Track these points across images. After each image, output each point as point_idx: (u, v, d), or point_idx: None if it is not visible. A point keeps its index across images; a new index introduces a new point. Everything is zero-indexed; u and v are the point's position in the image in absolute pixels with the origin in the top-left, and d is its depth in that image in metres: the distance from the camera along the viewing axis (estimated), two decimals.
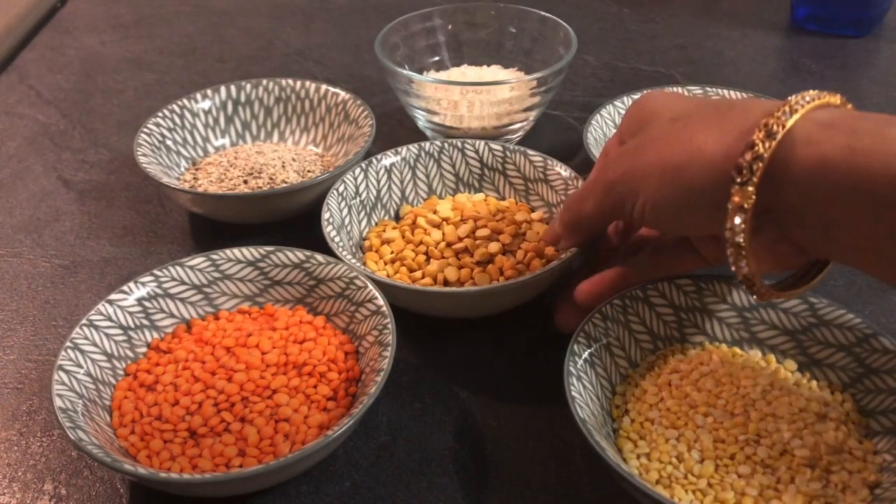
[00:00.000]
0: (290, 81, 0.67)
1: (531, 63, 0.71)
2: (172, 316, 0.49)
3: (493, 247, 0.51)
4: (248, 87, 0.67)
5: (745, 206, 0.34)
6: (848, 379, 0.44)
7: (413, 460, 0.44)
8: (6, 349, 0.52)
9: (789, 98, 0.35)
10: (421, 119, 0.67)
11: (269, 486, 0.42)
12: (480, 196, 0.58)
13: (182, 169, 0.64)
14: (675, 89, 0.63)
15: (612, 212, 0.42)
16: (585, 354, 0.43)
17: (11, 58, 0.87)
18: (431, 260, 0.51)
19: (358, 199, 0.55)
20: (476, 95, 0.64)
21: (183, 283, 0.49)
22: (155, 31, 0.91)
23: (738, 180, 0.34)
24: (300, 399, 0.43)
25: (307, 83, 0.67)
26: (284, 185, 0.60)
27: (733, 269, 0.36)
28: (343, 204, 0.53)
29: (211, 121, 0.66)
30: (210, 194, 0.57)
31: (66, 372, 0.43)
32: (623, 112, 0.62)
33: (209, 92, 0.66)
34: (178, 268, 0.49)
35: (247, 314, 0.50)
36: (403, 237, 0.53)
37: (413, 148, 0.58)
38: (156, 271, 0.49)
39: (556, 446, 0.44)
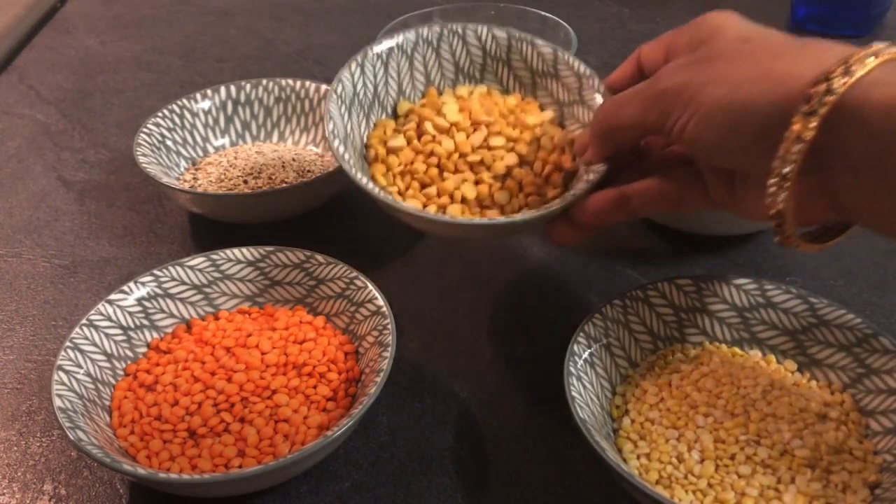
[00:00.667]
0: (290, 81, 0.67)
1: None
2: (172, 316, 0.49)
3: (510, 158, 0.47)
4: (248, 87, 0.67)
5: (805, 136, 0.33)
6: (848, 379, 0.44)
7: (413, 460, 0.44)
8: (6, 349, 0.52)
9: (872, 44, 0.33)
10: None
11: (268, 487, 0.42)
12: (483, 89, 0.52)
13: (182, 169, 0.64)
14: None
15: (654, 122, 0.39)
16: (585, 355, 0.43)
17: (11, 57, 0.87)
18: (445, 173, 0.47)
19: (356, 98, 0.49)
20: None
21: (183, 283, 0.49)
22: (155, 31, 0.91)
23: (805, 109, 0.32)
24: (300, 399, 0.43)
25: (307, 83, 0.67)
26: (284, 185, 0.60)
27: (767, 202, 0.35)
28: (343, 108, 0.47)
29: (211, 121, 0.66)
30: (210, 194, 0.57)
31: (66, 372, 0.43)
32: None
33: (209, 92, 0.66)
34: (177, 268, 0.49)
35: (247, 314, 0.50)
36: (410, 145, 0.48)
37: (410, 35, 0.51)
38: (156, 271, 0.49)
39: (556, 446, 0.44)
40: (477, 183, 0.46)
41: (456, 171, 0.47)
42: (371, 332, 0.46)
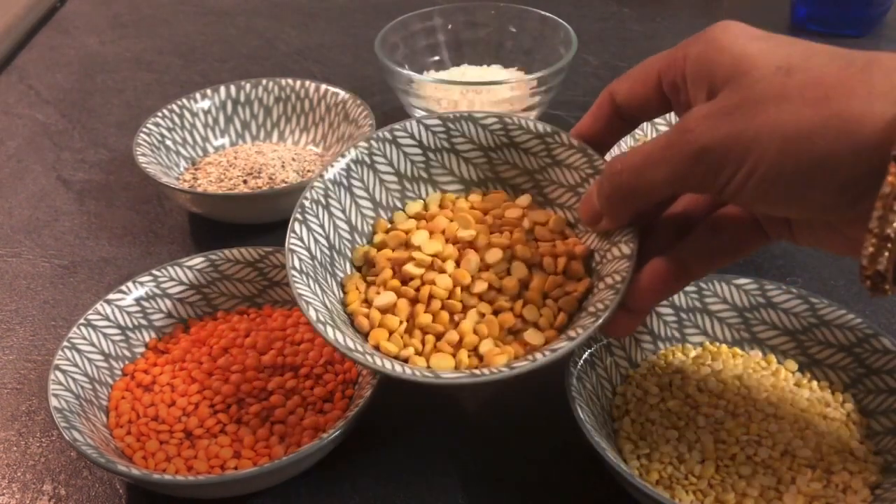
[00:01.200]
0: (290, 81, 0.67)
1: (531, 63, 0.71)
2: (170, 316, 0.49)
3: (519, 270, 0.41)
4: (248, 86, 0.67)
5: None
6: (849, 379, 0.43)
7: (413, 460, 0.44)
8: (5, 349, 0.52)
9: None
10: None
11: (265, 488, 0.42)
12: (436, 197, 0.46)
13: (181, 169, 0.64)
14: None
15: (695, 183, 0.34)
16: (586, 355, 0.43)
17: (11, 57, 0.87)
18: (456, 316, 0.40)
19: (315, 262, 0.41)
20: (476, 95, 0.63)
21: (181, 283, 0.49)
22: (154, 31, 0.91)
23: None
24: (296, 401, 0.43)
25: (307, 83, 0.67)
26: (284, 184, 0.60)
27: (864, 262, 0.30)
28: (311, 281, 0.40)
29: (210, 120, 0.66)
30: (209, 194, 0.57)
31: (63, 372, 0.42)
32: None
33: (209, 91, 0.66)
34: (176, 268, 0.49)
35: (245, 315, 0.49)
36: (400, 297, 0.41)
37: (340, 164, 0.44)
38: (154, 271, 0.48)
39: (556, 447, 0.44)
40: (496, 312, 0.40)
41: (463, 308, 0.40)
42: None
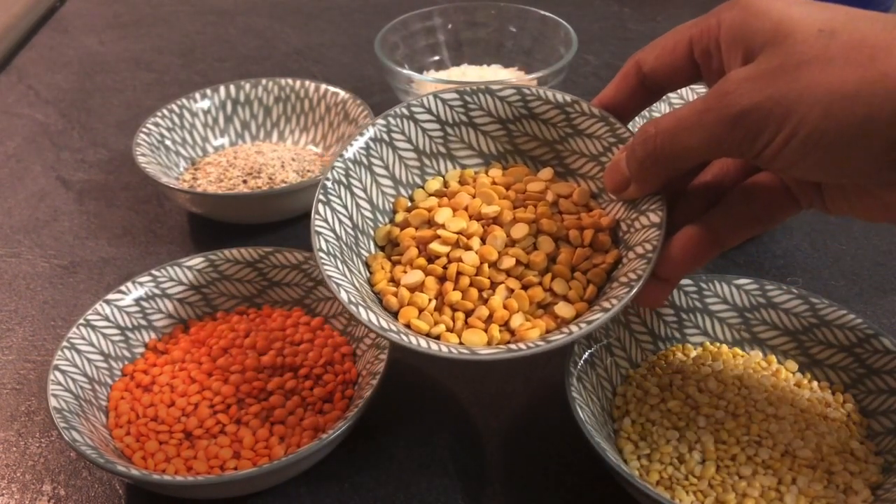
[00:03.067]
0: (290, 81, 0.67)
1: (531, 62, 0.71)
2: (170, 316, 0.49)
3: (546, 244, 0.40)
4: (248, 86, 0.67)
5: None
6: (849, 379, 0.43)
7: (413, 460, 0.44)
8: (5, 350, 0.52)
9: None
10: None
11: (265, 488, 0.42)
12: (455, 174, 0.45)
13: (181, 169, 0.63)
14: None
15: (732, 147, 0.33)
16: (586, 355, 0.43)
17: (10, 57, 0.87)
18: (484, 292, 0.40)
19: (341, 243, 0.41)
20: None
21: (181, 283, 0.49)
22: (154, 31, 0.91)
23: None
24: (296, 401, 0.43)
25: (307, 83, 0.67)
26: (284, 185, 0.60)
27: None
28: (339, 263, 0.40)
29: (210, 120, 0.66)
30: (209, 194, 0.57)
31: (63, 372, 0.42)
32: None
33: (208, 91, 0.66)
34: (176, 268, 0.49)
35: (245, 315, 0.49)
36: (427, 272, 0.40)
37: (358, 142, 0.43)
38: (154, 271, 0.48)
39: (556, 446, 0.44)
40: (525, 287, 0.40)
41: (491, 284, 0.40)
42: (369, 333, 0.45)
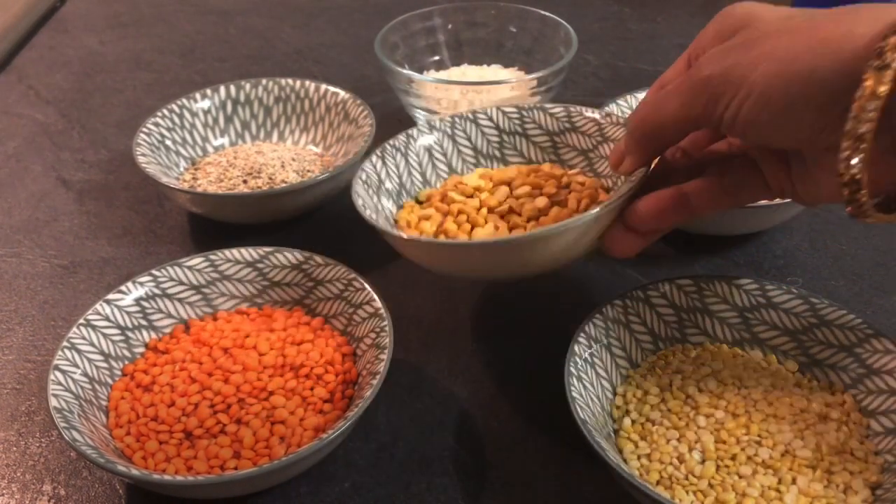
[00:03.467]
0: (290, 81, 0.67)
1: (531, 62, 0.71)
2: (170, 316, 0.49)
3: (540, 201, 0.47)
4: (248, 86, 0.67)
5: (880, 92, 0.31)
6: (849, 379, 0.43)
7: (413, 460, 0.44)
8: (5, 349, 0.52)
9: None
10: (421, 119, 0.67)
11: (265, 488, 0.42)
12: (501, 167, 0.53)
13: (181, 169, 0.63)
14: None
15: (700, 113, 0.37)
16: (586, 355, 0.43)
17: (10, 57, 0.87)
18: (476, 229, 0.47)
19: (382, 187, 0.50)
20: (476, 95, 0.63)
21: (181, 283, 0.49)
22: (154, 31, 0.91)
23: (876, 64, 0.31)
24: (296, 401, 0.43)
25: (307, 83, 0.67)
26: (284, 185, 0.60)
27: (840, 168, 0.32)
28: (370, 192, 0.49)
29: (210, 120, 0.66)
30: (209, 194, 0.57)
31: (63, 372, 0.42)
32: (628, 109, 0.61)
33: (208, 91, 0.66)
34: (176, 268, 0.49)
35: (245, 315, 0.49)
36: (437, 210, 0.49)
37: (424, 129, 0.53)
38: (154, 271, 0.48)
39: (556, 447, 0.44)
40: (511, 229, 0.46)
41: (486, 223, 0.47)
42: (369, 333, 0.45)
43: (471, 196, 0.49)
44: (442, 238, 0.46)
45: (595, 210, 0.39)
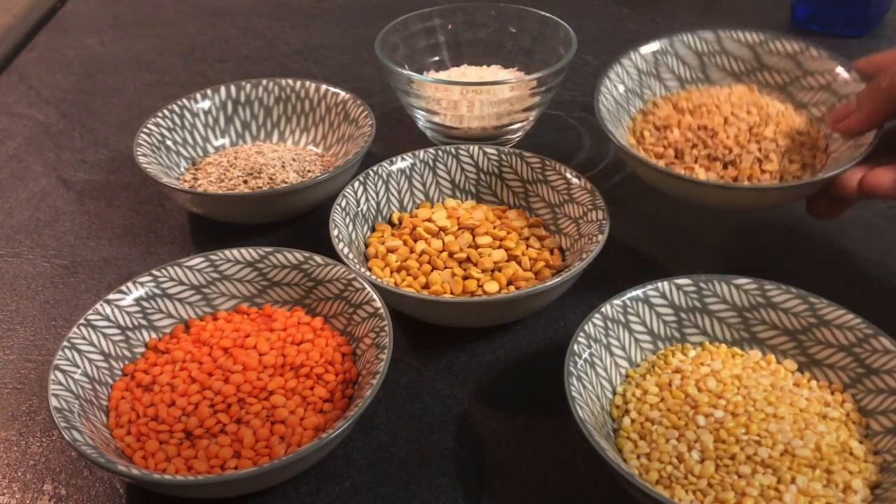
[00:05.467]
0: (290, 81, 0.67)
1: (531, 63, 0.71)
2: (171, 316, 0.49)
3: (498, 255, 0.51)
4: (248, 86, 0.67)
5: None
6: (848, 379, 0.43)
7: (413, 460, 0.44)
8: (6, 349, 0.52)
9: None
10: (421, 119, 0.67)
11: (265, 488, 0.42)
12: (471, 203, 0.58)
13: (182, 169, 0.64)
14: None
15: None
16: (586, 355, 0.43)
17: (11, 58, 0.87)
18: (435, 271, 0.51)
19: (359, 210, 0.54)
20: (476, 95, 0.63)
21: (181, 283, 0.49)
22: (155, 31, 0.91)
23: None
24: (296, 401, 0.43)
25: (307, 83, 0.67)
26: (284, 185, 0.60)
27: None
28: (347, 219, 0.53)
29: (211, 121, 0.66)
30: (210, 194, 0.57)
31: (63, 372, 0.43)
32: (632, 70, 0.59)
33: (209, 92, 0.66)
34: (176, 268, 0.49)
35: (245, 315, 0.49)
36: (405, 244, 0.53)
37: (408, 157, 0.57)
38: (154, 271, 0.48)
39: (556, 446, 0.44)
40: (465, 278, 0.50)
41: (445, 268, 0.51)
42: (369, 333, 0.46)
43: (436, 234, 0.53)
44: (401, 288, 0.49)
45: (539, 287, 0.46)
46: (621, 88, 0.57)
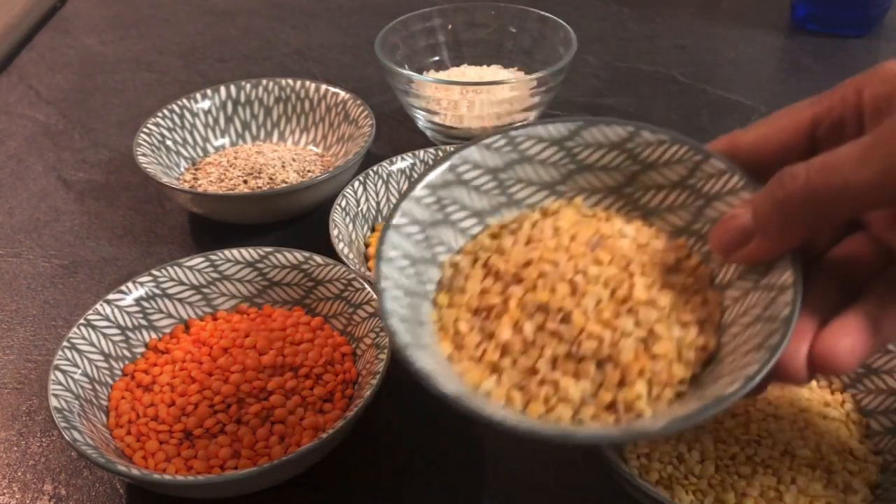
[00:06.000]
0: (290, 81, 0.67)
1: (531, 63, 0.71)
2: (171, 316, 0.49)
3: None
4: (248, 86, 0.67)
5: None
6: (848, 379, 0.43)
7: (413, 460, 0.44)
8: (6, 349, 0.52)
9: None
10: (421, 119, 0.67)
11: (265, 488, 0.42)
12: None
13: (182, 169, 0.64)
14: None
15: None
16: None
17: (11, 57, 0.87)
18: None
19: (359, 210, 0.54)
20: (476, 95, 0.63)
21: (181, 283, 0.49)
22: (155, 31, 0.91)
23: None
24: (296, 401, 0.43)
25: (307, 83, 0.67)
26: (284, 185, 0.60)
27: None
28: (347, 219, 0.53)
29: (211, 121, 0.66)
30: (210, 194, 0.57)
31: (63, 372, 0.43)
32: (412, 229, 0.36)
33: (209, 92, 0.66)
34: (176, 268, 0.49)
35: (245, 315, 0.49)
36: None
37: (408, 157, 0.57)
38: (154, 271, 0.48)
39: (556, 446, 0.44)
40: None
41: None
42: (369, 333, 0.46)
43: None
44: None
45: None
46: (404, 264, 0.34)
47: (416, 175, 0.56)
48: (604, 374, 0.31)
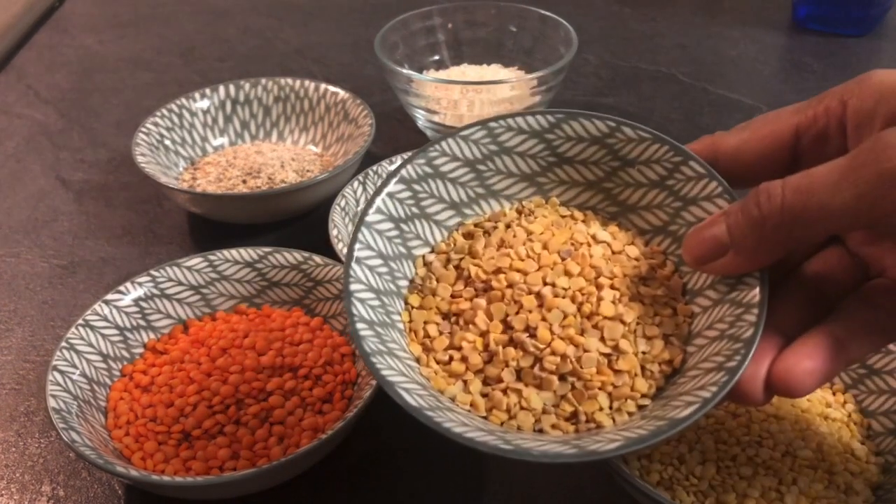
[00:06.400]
0: (289, 80, 0.67)
1: (531, 62, 0.71)
2: (169, 317, 0.49)
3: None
4: (247, 86, 0.67)
5: None
6: (849, 380, 0.43)
7: (413, 461, 0.44)
8: (4, 350, 0.51)
9: None
10: (421, 118, 0.67)
11: (264, 489, 0.42)
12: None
13: (180, 169, 0.63)
14: None
15: (886, 211, 0.27)
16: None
17: (9, 57, 0.87)
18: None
19: (359, 210, 0.53)
20: (476, 94, 0.63)
21: (180, 283, 0.49)
22: (153, 30, 0.91)
23: None
24: (295, 402, 0.43)
25: (306, 82, 0.67)
26: (283, 185, 0.60)
27: None
28: (347, 219, 0.52)
29: (209, 120, 0.66)
30: (209, 194, 0.57)
31: (61, 372, 0.42)
32: (386, 225, 0.37)
33: (208, 91, 0.66)
34: (175, 268, 0.49)
35: (244, 315, 0.49)
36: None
37: (405, 156, 0.52)
38: (153, 272, 0.48)
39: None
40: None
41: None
42: None
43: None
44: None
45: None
46: (377, 263, 0.35)
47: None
48: (567, 386, 0.33)
